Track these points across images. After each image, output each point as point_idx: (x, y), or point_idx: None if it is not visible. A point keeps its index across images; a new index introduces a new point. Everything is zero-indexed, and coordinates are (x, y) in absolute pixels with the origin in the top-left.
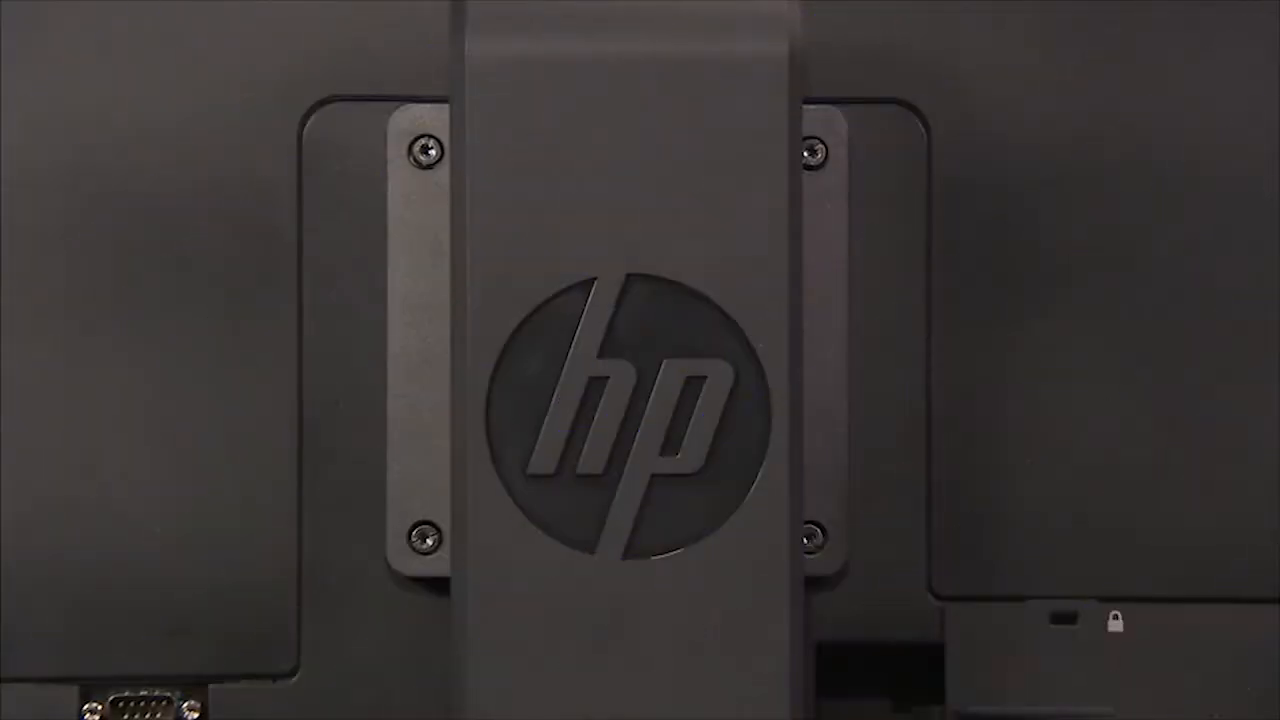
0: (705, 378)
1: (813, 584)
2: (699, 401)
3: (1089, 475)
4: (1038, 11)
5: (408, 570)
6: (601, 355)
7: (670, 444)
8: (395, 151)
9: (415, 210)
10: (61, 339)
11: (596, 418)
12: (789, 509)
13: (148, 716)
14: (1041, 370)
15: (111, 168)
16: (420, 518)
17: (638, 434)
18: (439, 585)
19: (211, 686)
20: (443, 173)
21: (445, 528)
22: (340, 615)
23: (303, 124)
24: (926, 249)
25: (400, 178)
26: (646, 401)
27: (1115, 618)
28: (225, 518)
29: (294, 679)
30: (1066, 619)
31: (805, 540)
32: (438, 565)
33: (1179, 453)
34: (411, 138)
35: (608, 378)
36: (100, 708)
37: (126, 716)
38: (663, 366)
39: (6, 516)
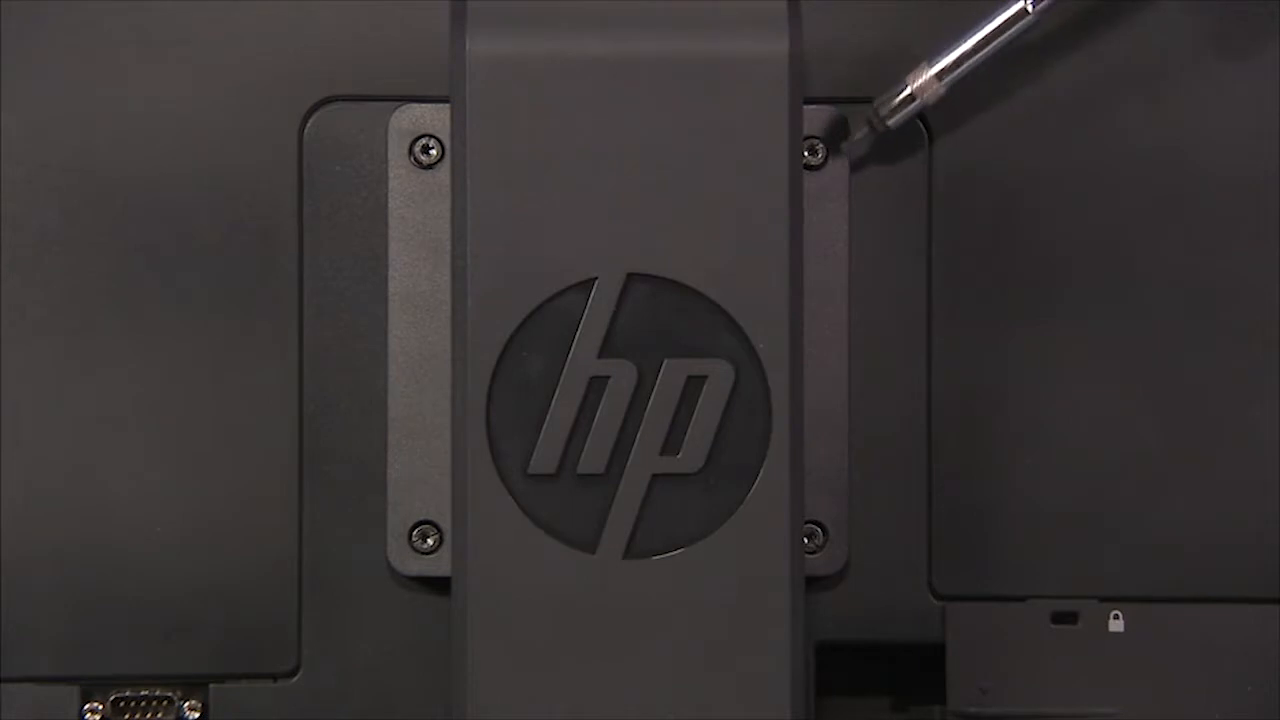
0: (705, 378)
1: (813, 584)
2: (699, 401)
3: (1089, 475)
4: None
5: (408, 570)
6: (602, 355)
7: (670, 444)
8: (395, 151)
9: (415, 210)
10: (61, 338)
11: (597, 418)
12: (789, 509)
13: (148, 716)
14: (1042, 370)
15: (112, 167)
16: (420, 518)
17: (638, 434)
18: (439, 585)
19: (212, 686)
20: (443, 173)
21: (445, 528)
22: (340, 615)
23: (303, 124)
24: (926, 249)
25: (400, 178)
26: (647, 401)
27: (1115, 618)
28: (225, 518)
29: (294, 679)
30: (1067, 619)
31: (805, 540)
32: (438, 565)
33: (1179, 453)
34: (412, 138)
35: (608, 377)
36: (100, 708)
37: (127, 716)
38: (663, 366)
39: (6, 517)
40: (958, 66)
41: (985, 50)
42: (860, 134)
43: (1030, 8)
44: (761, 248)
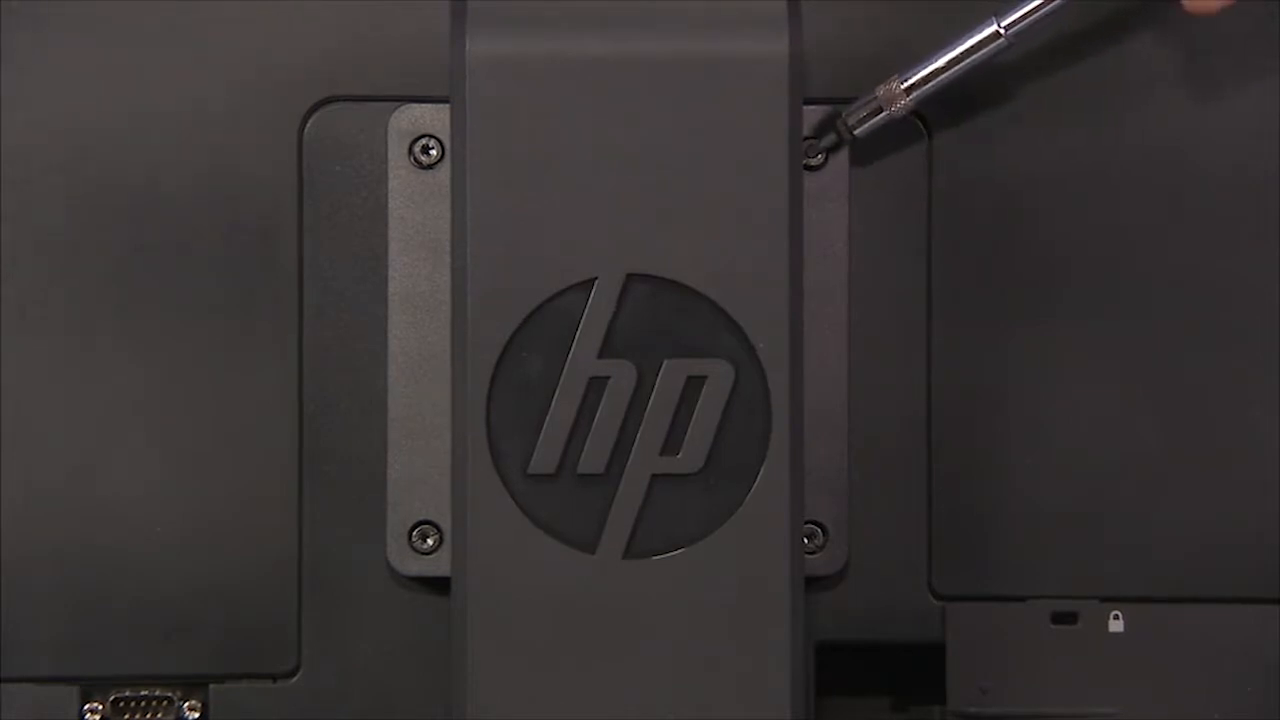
0: (705, 378)
1: (813, 584)
2: (699, 401)
3: (1089, 475)
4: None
5: (408, 570)
6: (602, 355)
7: (670, 444)
8: (395, 151)
9: (415, 210)
10: (61, 338)
11: (597, 418)
12: (789, 509)
13: (148, 716)
14: (1041, 370)
15: (111, 168)
16: (420, 518)
17: (638, 434)
18: (439, 585)
19: (211, 686)
20: (443, 173)
21: (445, 528)
22: (340, 615)
23: (303, 124)
24: (926, 249)
25: (400, 178)
26: (647, 401)
27: (1115, 618)
28: (225, 517)
29: (294, 679)
30: (1067, 619)
31: (805, 540)
32: (438, 565)
33: (1178, 453)
34: (412, 138)
35: (608, 378)
36: (100, 708)
37: (127, 716)
38: (663, 366)
39: (6, 517)
40: (927, 83)
41: (956, 68)
42: (828, 141)
43: (1003, 30)
44: (761, 248)
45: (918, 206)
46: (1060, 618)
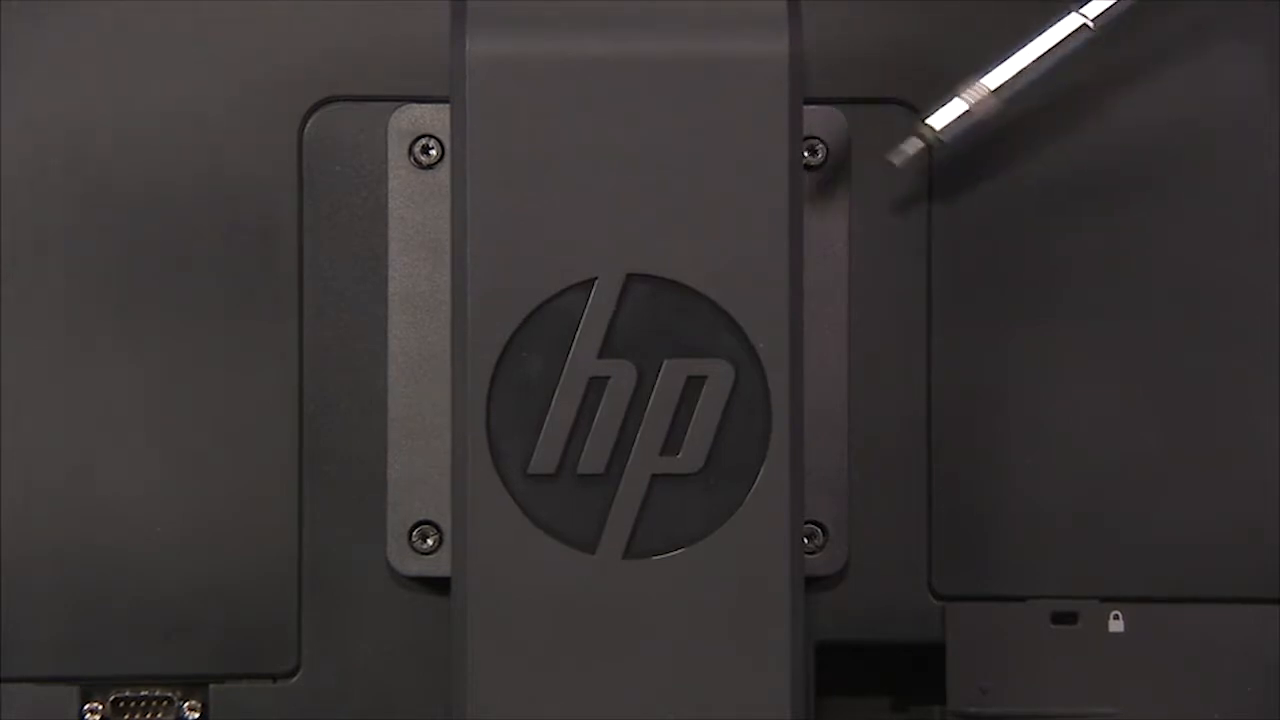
0: (705, 378)
1: (813, 584)
2: (699, 401)
3: (1089, 475)
4: (1038, 12)
5: (408, 570)
6: (602, 355)
7: (670, 444)
8: (395, 151)
9: (415, 210)
10: (61, 338)
11: (597, 418)
12: (789, 509)
13: (148, 716)
14: (1042, 370)
15: (111, 168)
16: (420, 518)
17: (638, 434)
18: (439, 585)
19: (211, 686)
20: (443, 173)
21: (445, 528)
22: (340, 615)
23: (303, 124)
24: (926, 249)
25: (400, 178)
26: (647, 401)
27: (1115, 618)
28: (225, 517)
29: (294, 679)
30: (1067, 619)
31: (805, 540)
32: (438, 565)
33: (1178, 453)
34: (412, 138)
35: (608, 378)
36: (100, 708)
37: (127, 716)
38: (663, 366)
39: (6, 517)
40: (1015, 82)
41: (1043, 64)
42: (915, 149)
43: (1091, 23)
44: (761, 248)
45: (918, 206)
46: (1060, 618)
